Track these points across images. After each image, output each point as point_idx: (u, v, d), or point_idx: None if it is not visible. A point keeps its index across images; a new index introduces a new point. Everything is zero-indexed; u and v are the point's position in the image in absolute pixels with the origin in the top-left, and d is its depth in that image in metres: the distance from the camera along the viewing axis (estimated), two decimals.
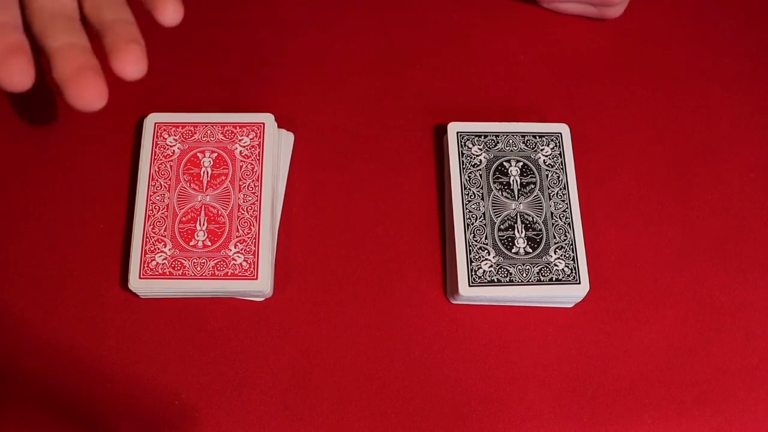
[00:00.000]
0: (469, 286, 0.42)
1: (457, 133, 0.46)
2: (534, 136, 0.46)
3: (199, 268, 0.42)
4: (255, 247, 0.43)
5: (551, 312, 0.45)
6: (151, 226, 0.43)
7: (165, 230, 0.43)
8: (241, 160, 0.45)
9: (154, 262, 0.42)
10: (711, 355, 0.45)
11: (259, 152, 0.45)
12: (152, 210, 0.44)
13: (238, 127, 0.45)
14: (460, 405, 0.43)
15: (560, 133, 0.47)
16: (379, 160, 0.48)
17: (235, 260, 0.43)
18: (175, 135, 0.45)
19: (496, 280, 0.43)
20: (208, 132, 0.45)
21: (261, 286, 0.42)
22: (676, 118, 0.51)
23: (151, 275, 0.42)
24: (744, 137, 0.50)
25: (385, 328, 0.44)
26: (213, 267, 0.42)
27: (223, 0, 0.52)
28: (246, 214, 0.43)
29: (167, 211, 0.44)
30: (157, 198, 0.44)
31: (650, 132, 0.50)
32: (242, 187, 0.44)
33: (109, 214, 0.46)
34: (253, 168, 0.45)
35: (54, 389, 0.42)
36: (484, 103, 0.50)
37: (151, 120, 0.46)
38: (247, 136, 0.45)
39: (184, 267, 0.42)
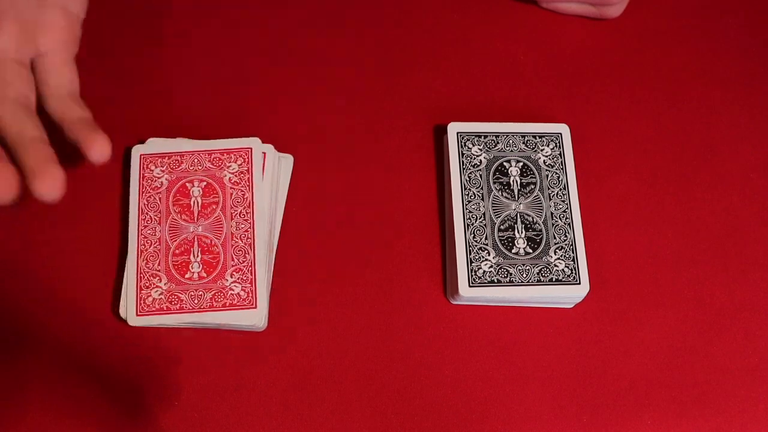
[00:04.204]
0: (469, 286, 0.42)
1: (457, 133, 0.46)
2: (534, 136, 0.46)
3: (196, 301, 0.42)
4: (251, 275, 0.42)
5: (551, 312, 0.45)
6: (145, 261, 0.42)
7: (159, 264, 0.42)
8: (231, 188, 0.44)
9: (150, 298, 0.42)
10: (711, 355, 0.45)
11: (248, 178, 0.44)
12: (144, 245, 0.43)
13: (225, 154, 0.45)
14: (460, 405, 0.43)
15: (560, 133, 0.47)
16: (379, 161, 0.48)
17: (233, 290, 0.42)
18: (162, 166, 0.44)
19: (496, 281, 0.43)
20: (195, 161, 0.44)
21: (259, 315, 0.42)
22: (676, 118, 0.51)
23: (148, 312, 0.42)
24: (744, 137, 0.50)
25: (385, 329, 0.44)
26: (211, 299, 0.42)
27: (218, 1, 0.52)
28: (240, 242, 0.43)
29: (159, 244, 0.43)
30: (149, 232, 0.43)
31: (650, 132, 0.50)
32: (234, 214, 0.43)
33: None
34: (244, 194, 0.44)
35: (53, 388, 0.42)
36: (484, 103, 0.50)
37: (137, 152, 0.45)
38: (235, 162, 0.44)
39: (182, 301, 0.42)
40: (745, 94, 0.51)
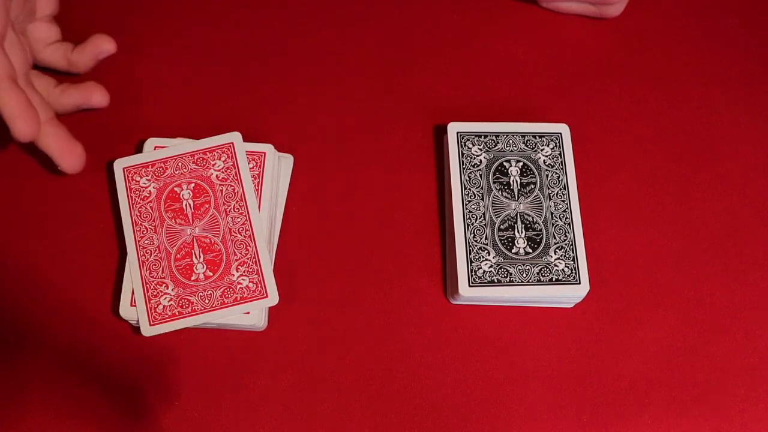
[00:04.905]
0: (469, 286, 0.42)
1: (457, 133, 0.46)
2: (534, 136, 0.46)
3: (207, 301, 0.42)
4: (257, 266, 0.42)
5: (551, 312, 0.45)
6: (148, 271, 0.42)
7: (163, 272, 0.42)
8: (220, 184, 0.44)
9: (161, 307, 0.42)
10: (711, 355, 0.45)
11: (235, 172, 0.44)
12: (144, 255, 0.43)
13: (208, 153, 0.44)
14: (460, 405, 0.43)
15: (560, 133, 0.47)
16: (379, 161, 0.48)
17: (241, 283, 0.42)
18: (147, 175, 0.44)
19: (496, 281, 0.43)
20: (180, 164, 0.44)
21: (271, 302, 0.42)
22: (676, 118, 0.51)
23: (160, 320, 0.41)
24: (744, 137, 0.50)
25: (386, 329, 0.44)
26: (221, 296, 0.42)
27: (218, 1, 0.52)
28: (239, 235, 0.43)
29: (159, 252, 0.43)
30: (146, 242, 0.43)
31: (650, 132, 0.50)
32: (228, 210, 0.43)
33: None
34: (234, 189, 0.44)
35: (53, 388, 0.42)
36: (484, 103, 0.50)
37: (119, 165, 0.44)
38: (219, 159, 0.44)
39: (192, 303, 0.42)
40: (745, 94, 0.51)
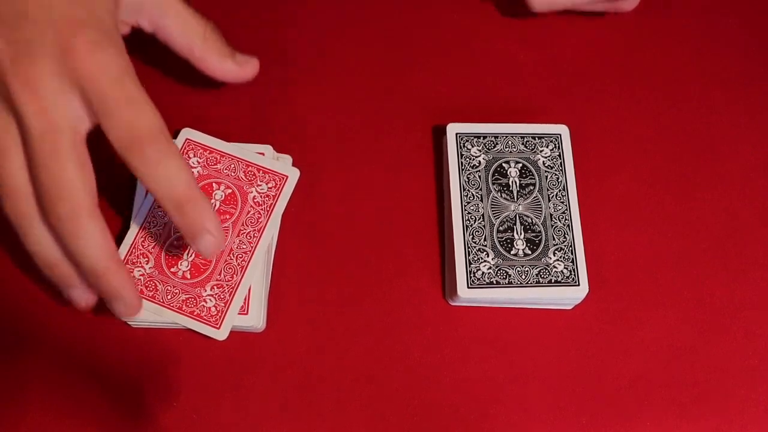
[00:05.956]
0: (468, 287, 0.42)
1: (456, 134, 0.46)
2: (533, 138, 0.46)
3: (169, 297, 0.42)
4: (229, 296, 0.42)
5: (550, 314, 0.45)
6: (142, 239, 0.42)
7: (153, 247, 0.42)
8: (251, 206, 0.43)
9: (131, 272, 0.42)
10: (711, 355, 0.45)
11: (271, 204, 0.43)
12: (150, 223, 0.43)
13: (260, 171, 0.44)
14: (460, 407, 0.43)
15: (559, 135, 0.46)
16: (379, 161, 0.48)
17: (206, 302, 0.42)
18: (200, 157, 0.44)
19: (495, 282, 0.43)
20: (232, 166, 0.44)
21: (221, 335, 0.41)
22: (676, 118, 0.51)
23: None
24: (744, 137, 0.50)
25: (384, 330, 0.44)
26: (183, 301, 0.41)
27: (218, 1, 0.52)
28: (234, 261, 0.42)
29: (163, 229, 0.43)
30: (159, 213, 0.43)
31: (650, 132, 0.50)
32: (241, 233, 0.43)
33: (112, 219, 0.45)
34: (259, 218, 0.43)
35: (53, 388, 0.42)
36: (484, 104, 0.50)
37: (184, 135, 0.45)
38: (267, 184, 0.44)
39: (156, 290, 0.42)
40: (745, 94, 0.51)
